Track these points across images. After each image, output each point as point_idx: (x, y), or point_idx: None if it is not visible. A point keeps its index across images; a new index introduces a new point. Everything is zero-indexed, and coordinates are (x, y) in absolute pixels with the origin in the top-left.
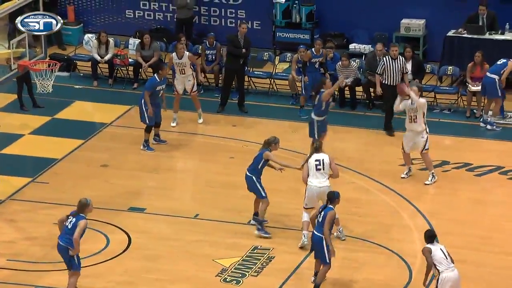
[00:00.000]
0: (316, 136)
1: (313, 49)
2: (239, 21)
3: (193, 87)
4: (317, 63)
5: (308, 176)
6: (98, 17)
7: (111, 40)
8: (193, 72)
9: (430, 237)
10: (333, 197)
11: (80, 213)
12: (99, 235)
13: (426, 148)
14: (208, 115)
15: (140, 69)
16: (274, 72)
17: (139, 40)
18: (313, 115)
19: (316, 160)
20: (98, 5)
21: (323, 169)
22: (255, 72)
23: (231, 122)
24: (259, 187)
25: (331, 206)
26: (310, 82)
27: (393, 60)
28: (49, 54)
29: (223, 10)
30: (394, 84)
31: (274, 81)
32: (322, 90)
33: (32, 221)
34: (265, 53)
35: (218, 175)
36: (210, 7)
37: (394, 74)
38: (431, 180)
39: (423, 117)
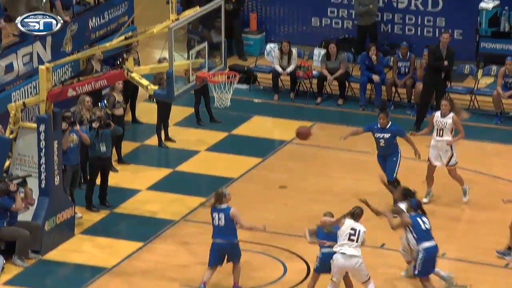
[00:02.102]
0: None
1: None
2: (442, 30)
3: (450, 158)
4: None
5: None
6: (282, 26)
7: (294, 50)
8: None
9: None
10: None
11: (222, 204)
12: (276, 262)
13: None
14: None
15: (325, 82)
16: (476, 87)
17: (325, 51)
18: None
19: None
20: (282, 13)
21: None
22: (455, 87)
23: (425, 143)
24: None
25: None
26: None
27: None
28: (228, 65)
29: (419, 17)
30: None
31: (475, 97)
32: None
33: (206, 244)
34: (467, 66)
35: None
36: (405, 14)
37: None
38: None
39: None
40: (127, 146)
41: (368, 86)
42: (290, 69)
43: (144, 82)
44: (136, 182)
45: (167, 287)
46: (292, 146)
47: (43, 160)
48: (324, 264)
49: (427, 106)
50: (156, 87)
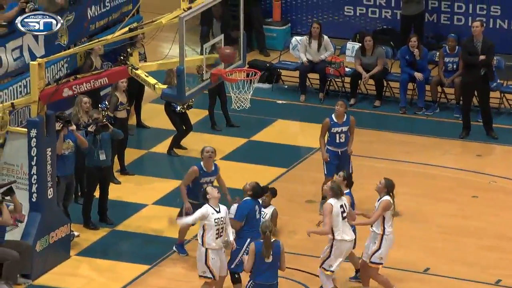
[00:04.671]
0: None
1: None
2: (498, 20)
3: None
4: None
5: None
6: (310, 16)
7: (325, 36)
8: None
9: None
10: None
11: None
12: (299, 286)
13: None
14: (447, 141)
15: (360, 81)
16: None
17: (359, 45)
18: None
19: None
20: (310, 0)
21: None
22: (510, 87)
23: (475, 151)
24: None
25: None
26: None
27: None
28: (248, 61)
29: (470, 5)
30: None
31: None
32: None
33: None
34: None
35: (455, 218)
36: (453, 2)
37: None
38: None
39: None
40: (130, 154)
41: (410, 85)
42: (325, 54)
43: (151, 80)
44: (141, 196)
45: None
46: (321, 154)
47: (34, 170)
48: None
49: (468, 109)
50: (164, 86)
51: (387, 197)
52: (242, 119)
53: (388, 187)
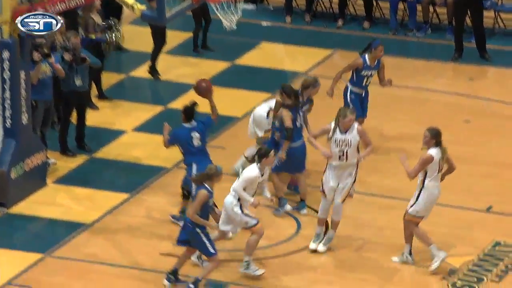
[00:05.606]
0: None
1: None
2: None
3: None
4: None
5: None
6: None
7: None
8: None
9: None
10: None
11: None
12: (287, 218)
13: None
14: (438, 64)
15: (348, 1)
16: None
17: None
18: None
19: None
20: None
21: None
22: (505, 6)
23: (468, 74)
24: None
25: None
26: None
27: None
28: None
29: None
30: None
31: None
32: None
33: None
34: None
35: (447, 144)
36: None
37: None
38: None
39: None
40: (109, 78)
41: (400, 5)
42: None
43: (129, 0)
44: (121, 122)
45: (158, 246)
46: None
47: (7, 94)
48: None
49: (461, 29)
50: (143, 7)
51: (431, 151)
52: (226, 41)
53: (436, 137)
